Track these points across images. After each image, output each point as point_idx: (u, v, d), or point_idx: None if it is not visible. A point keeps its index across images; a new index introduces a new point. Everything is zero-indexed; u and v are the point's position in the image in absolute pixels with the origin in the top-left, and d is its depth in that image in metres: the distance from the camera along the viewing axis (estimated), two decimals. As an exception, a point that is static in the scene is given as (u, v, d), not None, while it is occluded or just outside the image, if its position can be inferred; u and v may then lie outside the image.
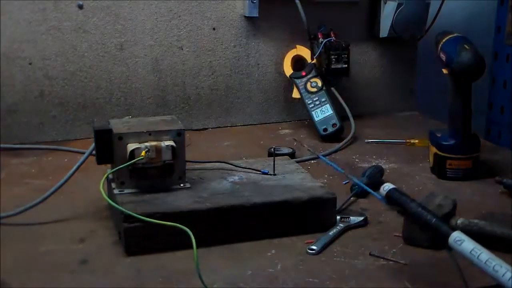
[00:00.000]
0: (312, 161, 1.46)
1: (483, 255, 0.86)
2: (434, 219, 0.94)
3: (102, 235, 1.08)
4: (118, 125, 1.12)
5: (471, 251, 0.87)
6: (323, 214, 1.11)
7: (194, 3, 1.63)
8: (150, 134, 1.09)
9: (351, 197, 1.23)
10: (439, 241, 0.93)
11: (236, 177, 1.18)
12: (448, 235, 0.90)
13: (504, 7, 1.96)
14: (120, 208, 1.01)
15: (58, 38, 1.54)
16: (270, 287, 0.94)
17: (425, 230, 0.96)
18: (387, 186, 1.00)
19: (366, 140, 1.60)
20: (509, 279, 0.82)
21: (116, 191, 1.09)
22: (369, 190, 1.14)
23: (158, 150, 1.08)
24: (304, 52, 1.70)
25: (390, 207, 1.01)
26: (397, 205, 0.99)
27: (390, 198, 0.99)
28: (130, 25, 1.59)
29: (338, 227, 1.10)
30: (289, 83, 1.71)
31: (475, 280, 0.96)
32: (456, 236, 0.90)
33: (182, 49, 1.64)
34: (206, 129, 1.70)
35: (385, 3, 1.73)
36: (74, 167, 1.15)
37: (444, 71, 1.34)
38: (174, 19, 1.62)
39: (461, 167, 1.34)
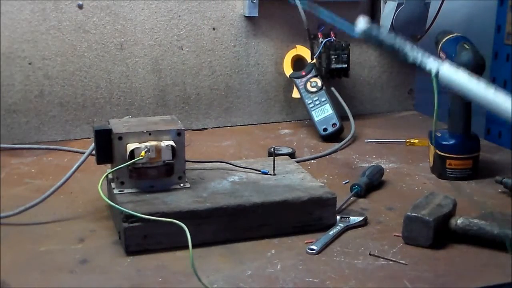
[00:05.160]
0: (312, 161, 1.46)
1: (482, 82, 0.84)
2: (422, 53, 0.90)
3: (102, 235, 1.08)
4: (118, 125, 1.12)
5: (469, 79, 0.84)
6: (323, 214, 1.11)
7: (194, 3, 1.63)
8: (150, 134, 1.09)
9: (351, 197, 1.23)
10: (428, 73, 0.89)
11: (236, 177, 1.18)
12: (440, 65, 0.88)
13: (504, 7, 1.96)
14: (119, 207, 1.01)
15: (58, 38, 1.54)
16: (270, 287, 0.94)
17: (410, 63, 0.92)
18: (365, 20, 0.94)
19: (366, 140, 1.60)
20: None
21: (116, 191, 1.09)
22: (344, 27, 1.04)
23: (158, 150, 1.08)
24: (304, 52, 1.70)
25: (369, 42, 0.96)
26: (376, 40, 0.94)
27: (368, 34, 0.94)
28: (130, 25, 1.59)
29: (338, 227, 1.10)
30: (289, 83, 1.71)
31: (476, 280, 0.97)
32: (451, 65, 0.87)
33: (182, 49, 1.64)
34: (206, 129, 1.70)
35: (385, 2, 1.73)
36: (74, 167, 1.15)
37: (444, 71, 1.34)
38: (174, 19, 1.62)
39: (461, 167, 1.34)
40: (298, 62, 1.72)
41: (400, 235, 1.07)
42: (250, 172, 1.20)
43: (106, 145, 1.10)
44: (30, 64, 1.52)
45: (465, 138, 1.34)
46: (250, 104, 1.73)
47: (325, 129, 1.60)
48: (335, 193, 1.12)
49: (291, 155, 1.42)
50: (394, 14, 1.71)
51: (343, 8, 1.75)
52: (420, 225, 1.04)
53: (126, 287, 0.94)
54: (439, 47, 1.36)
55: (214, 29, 1.66)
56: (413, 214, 1.06)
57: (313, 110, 1.63)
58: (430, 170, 1.39)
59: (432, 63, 0.88)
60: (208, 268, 0.97)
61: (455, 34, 1.36)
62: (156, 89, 1.64)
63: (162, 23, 1.61)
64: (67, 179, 1.15)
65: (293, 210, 1.09)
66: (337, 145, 1.55)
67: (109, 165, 1.13)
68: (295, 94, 1.67)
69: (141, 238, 1.02)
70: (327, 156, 1.50)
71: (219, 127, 1.71)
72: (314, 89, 1.64)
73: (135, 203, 1.05)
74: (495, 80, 2.01)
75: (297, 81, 1.66)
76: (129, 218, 1.01)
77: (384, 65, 1.84)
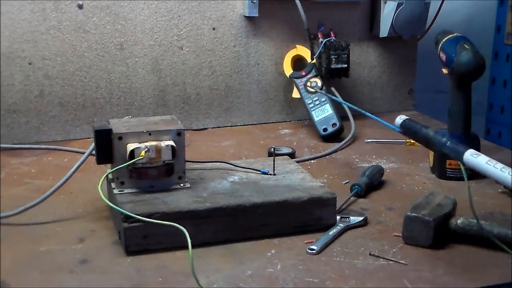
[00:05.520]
0: (312, 161, 1.46)
1: (498, 164, 0.94)
2: (449, 142, 1.02)
3: (102, 235, 1.08)
4: (118, 125, 1.12)
5: (487, 162, 0.96)
6: (323, 214, 1.11)
7: (194, 3, 1.63)
8: (150, 134, 1.09)
9: (351, 197, 1.23)
10: (456, 159, 1.02)
11: (236, 177, 1.18)
12: (463, 152, 0.99)
13: (504, 7, 1.97)
14: (118, 208, 1.01)
15: (58, 38, 1.54)
16: (270, 287, 0.94)
17: (441, 152, 1.05)
18: (403, 117, 1.12)
19: (366, 140, 1.60)
20: None
21: (116, 191, 1.09)
22: (385, 123, 1.19)
23: (158, 150, 1.08)
24: (304, 52, 1.70)
25: (405, 135, 1.12)
26: (412, 133, 1.09)
27: (404, 127, 1.10)
28: (130, 25, 1.59)
29: (338, 227, 1.10)
30: (289, 83, 1.71)
31: (476, 280, 0.96)
32: (472, 151, 0.98)
33: (182, 49, 1.64)
34: (206, 129, 1.70)
35: (385, 3, 1.73)
36: (74, 167, 1.15)
37: (444, 70, 1.35)
38: (174, 19, 1.62)
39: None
40: (298, 62, 1.72)
41: (400, 235, 1.07)
42: (250, 172, 1.20)
43: (106, 145, 1.10)
44: (30, 64, 1.53)
45: (465, 138, 1.34)
46: (250, 104, 1.73)
47: (325, 129, 1.60)
48: (335, 193, 1.12)
49: (291, 155, 1.42)
50: (394, 14, 1.71)
51: (343, 8, 1.76)
52: (420, 225, 1.04)
53: (126, 287, 0.94)
54: (439, 47, 1.36)
55: (214, 29, 1.66)
56: (413, 214, 1.05)
57: (313, 110, 1.63)
58: (430, 170, 1.39)
59: (459, 149, 1.01)
60: (208, 268, 0.97)
61: (455, 34, 1.36)
62: (156, 89, 1.64)
63: (162, 23, 1.61)
64: (67, 179, 1.15)
65: (293, 210, 1.09)
66: (337, 145, 1.55)
67: (109, 165, 1.13)
68: (295, 94, 1.67)
69: (141, 238, 1.02)
70: (327, 156, 1.50)
71: (219, 127, 1.71)
72: (314, 89, 1.64)
73: (135, 203, 1.05)
74: (495, 81, 2.01)
75: (297, 81, 1.66)
76: (129, 218, 1.01)
77: (384, 65, 1.84)
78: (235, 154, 1.49)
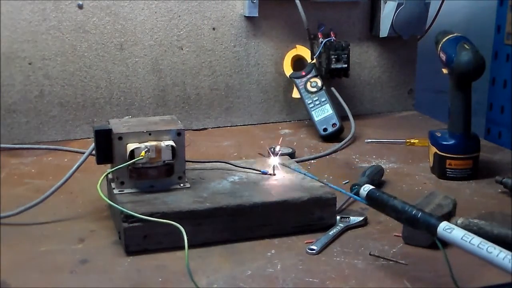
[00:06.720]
0: (312, 161, 1.46)
1: (474, 240, 0.87)
2: (420, 213, 0.94)
3: (102, 235, 1.08)
4: (118, 125, 1.12)
5: (462, 237, 0.88)
6: (323, 214, 1.11)
7: (194, 3, 1.63)
8: (150, 134, 1.09)
9: (351, 197, 1.23)
10: (429, 233, 0.93)
11: (236, 177, 1.18)
12: (437, 226, 0.91)
13: (504, 7, 1.97)
14: (117, 206, 1.01)
15: (58, 38, 1.54)
16: (270, 287, 0.94)
17: (412, 226, 0.96)
18: (366, 187, 0.99)
19: (366, 140, 1.60)
20: (503, 258, 0.84)
21: (116, 191, 1.09)
22: (348, 193, 1.08)
23: (158, 150, 1.08)
24: (304, 52, 1.70)
25: (372, 207, 1.00)
26: (379, 204, 0.99)
27: (371, 198, 0.99)
28: (130, 25, 1.59)
29: (338, 227, 1.10)
30: (289, 83, 1.71)
31: (476, 280, 0.96)
32: (445, 225, 0.90)
33: (182, 49, 1.64)
34: (206, 129, 1.70)
35: (385, 2, 1.73)
36: (74, 167, 1.15)
37: (444, 70, 1.35)
38: (174, 19, 1.62)
39: (461, 167, 1.34)
40: (298, 62, 1.72)
41: (400, 235, 1.07)
42: (250, 172, 1.20)
43: (106, 145, 1.10)
44: (30, 64, 1.53)
45: (465, 138, 1.34)
46: (250, 104, 1.73)
47: (325, 129, 1.60)
48: (335, 193, 1.12)
49: (291, 155, 1.42)
50: (394, 14, 1.71)
51: (343, 8, 1.76)
52: (420, 225, 1.04)
53: (126, 287, 0.94)
54: (439, 47, 1.36)
55: (214, 29, 1.66)
56: (413, 214, 1.05)
57: (313, 110, 1.63)
58: (430, 170, 1.39)
59: (431, 223, 0.92)
60: (208, 268, 0.97)
61: (455, 34, 1.36)
62: (156, 89, 1.64)
63: (162, 23, 1.61)
64: (67, 179, 1.15)
65: (293, 210, 1.09)
66: (337, 145, 1.55)
67: (109, 165, 1.13)
68: (295, 94, 1.67)
69: (141, 238, 1.02)
70: (327, 156, 1.50)
71: (219, 127, 1.71)
72: (314, 89, 1.64)
73: (135, 203, 1.05)
74: (495, 80, 2.01)
75: (297, 81, 1.66)
76: (129, 218, 1.01)
77: (384, 65, 1.84)
78: (235, 154, 1.49)
